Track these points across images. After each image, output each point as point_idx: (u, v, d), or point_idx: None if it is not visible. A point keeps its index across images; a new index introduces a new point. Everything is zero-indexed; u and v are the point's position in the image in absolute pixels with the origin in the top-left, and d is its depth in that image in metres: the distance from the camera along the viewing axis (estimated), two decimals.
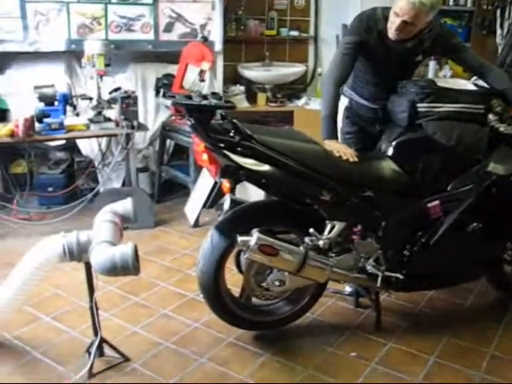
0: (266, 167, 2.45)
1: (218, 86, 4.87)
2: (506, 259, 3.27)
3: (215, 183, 2.50)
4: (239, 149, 2.41)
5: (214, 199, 2.53)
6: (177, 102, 2.42)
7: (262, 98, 5.13)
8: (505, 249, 3.17)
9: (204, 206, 2.54)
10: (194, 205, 2.62)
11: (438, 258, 2.82)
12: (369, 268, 2.75)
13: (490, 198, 2.81)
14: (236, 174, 2.47)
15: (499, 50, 5.28)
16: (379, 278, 2.72)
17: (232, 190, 2.47)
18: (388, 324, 3.04)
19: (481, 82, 2.92)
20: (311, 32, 5.52)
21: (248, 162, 2.43)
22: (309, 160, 2.52)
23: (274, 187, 2.57)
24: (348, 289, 3.24)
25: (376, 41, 2.79)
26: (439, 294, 3.33)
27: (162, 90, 2.43)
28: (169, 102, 2.39)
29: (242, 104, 5.06)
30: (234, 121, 2.46)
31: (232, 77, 5.21)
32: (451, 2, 5.72)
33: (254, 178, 2.52)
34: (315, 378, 2.61)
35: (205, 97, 2.53)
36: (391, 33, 2.72)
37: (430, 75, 5.54)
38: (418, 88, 2.74)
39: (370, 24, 2.80)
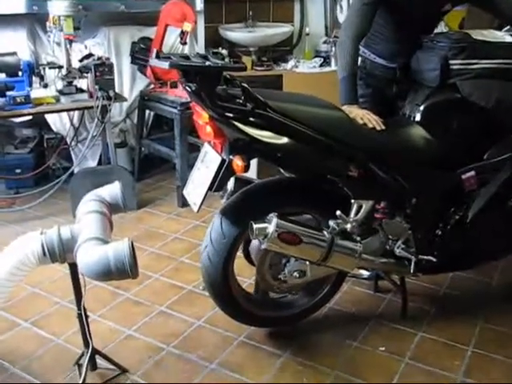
0: (284, 140, 2.06)
1: (200, 50, 4.43)
2: None
3: (222, 161, 2.09)
4: (252, 119, 2.02)
5: (221, 180, 2.12)
6: (176, 64, 1.99)
7: (246, 61, 4.68)
8: None
9: (209, 188, 2.12)
10: (196, 187, 2.21)
11: (473, 236, 2.49)
12: (398, 251, 2.41)
13: None
14: (249, 149, 2.07)
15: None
16: (412, 263, 2.37)
17: (246, 169, 2.07)
18: (414, 310, 2.72)
19: None
20: None
21: (263, 135, 2.04)
22: (333, 129, 2.14)
23: (294, 163, 2.19)
24: (366, 272, 2.89)
25: None
26: (462, 273, 3.00)
27: (155, 51, 2.02)
28: (166, 64, 1.96)
29: None
30: (244, 85, 2.05)
31: (213, 39, 4.76)
32: None
33: (271, 153, 2.12)
34: (345, 380, 2.27)
35: (205, 57, 2.11)
36: None
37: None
38: (450, 42, 2.36)
39: None
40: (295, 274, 2.29)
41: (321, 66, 4.67)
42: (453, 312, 2.74)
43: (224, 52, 4.62)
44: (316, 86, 3.89)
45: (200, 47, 4.47)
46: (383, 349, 2.46)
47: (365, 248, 2.32)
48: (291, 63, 4.76)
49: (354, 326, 2.61)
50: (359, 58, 2.72)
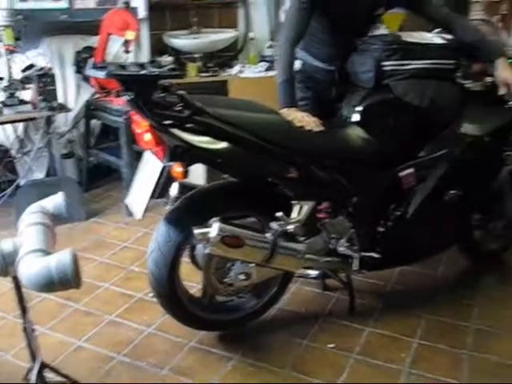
0: (223, 144, 2.09)
1: (145, 58, 4.42)
2: (476, 224, 3.08)
3: (163, 168, 2.11)
4: (190, 125, 2.04)
5: (163, 187, 2.13)
6: (112, 73, 2.00)
7: (192, 68, 4.70)
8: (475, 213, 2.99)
9: (152, 195, 2.14)
10: (138, 196, 2.23)
11: (414, 231, 2.57)
12: (341, 249, 2.47)
13: (465, 162, 2.57)
14: (188, 155, 2.10)
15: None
16: (356, 260, 2.43)
17: (185, 175, 2.09)
18: (362, 307, 2.78)
19: (445, 35, 2.65)
20: None
21: (202, 140, 2.07)
22: (271, 133, 2.18)
23: (234, 167, 2.22)
24: (313, 271, 2.93)
25: None
26: (408, 267, 3.07)
27: (89, 62, 2.04)
28: (102, 74, 1.97)
29: None
30: (181, 92, 2.07)
31: (158, 47, 4.74)
32: None
33: (210, 158, 2.15)
34: (295, 378, 2.31)
35: (142, 66, 2.12)
36: None
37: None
38: (382, 44, 2.44)
39: None
40: (241, 276, 2.32)
41: (266, 70, 4.70)
42: (399, 306, 2.80)
43: (169, 59, 4.66)
44: (261, 90, 3.90)
45: (145, 55, 4.45)
46: (332, 346, 2.50)
47: (308, 248, 2.36)
48: (236, 68, 4.78)
49: (304, 325, 2.64)
50: (299, 62, 2.78)
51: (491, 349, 2.49)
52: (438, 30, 2.72)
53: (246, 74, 4.77)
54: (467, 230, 2.99)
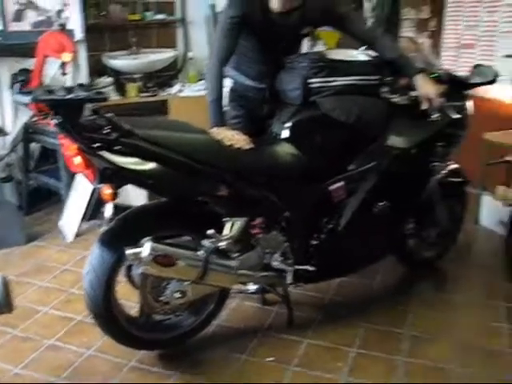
0: (151, 165, 2.12)
1: (83, 79, 4.40)
2: (409, 233, 3.18)
3: (94, 190, 2.12)
4: (117, 147, 2.07)
5: (94, 209, 2.15)
6: (37, 98, 2.02)
7: (132, 88, 4.73)
8: (407, 222, 3.09)
9: (83, 217, 2.15)
10: (70, 218, 2.23)
11: (347, 243, 2.64)
12: (275, 264, 2.52)
13: (393, 174, 2.66)
14: (117, 177, 2.12)
15: (369, 23, 5.22)
16: (290, 274, 2.48)
17: (114, 196, 2.11)
18: (301, 319, 2.83)
19: (370, 52, 2.75)
20: (178, 14, 5.16)
21: (130, 162, 2.10)
22: (199, 153, 2.22)
23: (163, 187, 2.24)
24: (252, 286, 2.97)
25: (259, 14, 2.53)
26: (347, 278, 3.14)
27: (15, 87, 2.05)
28: (27, 99, 1.99)
29: (111, 97, 4.63)
30: (109, 115, 2.10)
31: (97, 68, 4.74)
32: None
33: (139, 179, 2.18)
34: None
35: (70, 89, 2.14)
36: (274, 3, 2.46)
37: (304, 50, 5.39)
38: (309, 62, 2.52)
39: None
40: (176, 294, 2.35)
41: (206, 89, 4.75)
42: (337, 317, 2.87)
43: (108, 80, 4.67)
44: (201, 108, 3.89)
45: (83, 76, 4.43)
46: (271, 359, 2.54)
47: (242, 263, 2.41)
48: (176, 88, 4.82)
49: (243, 340, 2.68)
50: (231, 81, 2.84)
51: (425, 353, 2.58)
52: (364, 47, 2.82)
53: (185, 92, 4.82)
54: (401, 239, 3.09)
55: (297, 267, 2.52)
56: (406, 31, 4.74)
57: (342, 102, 2.52)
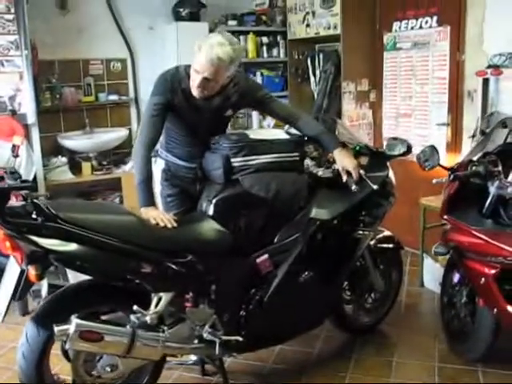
0: (73, 246, 2.23)
1: (37, 160, 4.56)
2: (345, 299, 3.30)
3: (22, 271, 2.24)
4: (42, 231, 2.19)
5: (23, 289, 2.25)
6: None
7: (86, 167, 4.90)
8: (342, 289, 3.21)
9: (12, 298, 2.25)
10: (1, 298, 2.34)
11: (275, 313, 2.75)
12: (206, 335, 2.60)
13: (317, 244, 2.81)
14: (44, 259, 2.24)
15: (315, 96, 5.51)
16: (217, 345, 2.57)
17: (41, 277, 2.22)
18: None
19: (293, 130, 2.94)
20: (131, 94, 5.40)
21: (55, 244, 2.22)
22: (122, 233, 2.34)
23: (89, 267, 2.36)
24: (192, 357, 3.06)
25: (182, 100, 2.72)
26: (288, 346, 3.25)
27: None
28: None
29: (66, 176, 4.81)
30: (35, 201, 2.24)
31: (52, 148, 4.93)
32: (265, 55, 5.89)
33: (65, 260, 2.30)
34: None
35: (1, 178, 2.29)
36: (194, 90, 2.66)
37: (255, 126, 5.65)
38: (230, 142, 2.69)
39: (174, 83, 2.73)
40: (107, 368, 2.44)
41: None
42: None
43: (63, 160, 4.83)
44: None
45: (37, 157, 4.58)
46: None
47: (173, 336, 2.50)
48: (130, 165, 4.98)
49: None
50: (163, 162, 3.00)
51: None
52: (287, 126, 3.02)
53: None
54: (336, 306, 3.20)
55: (225, 338, 2.61)
56: (348, 103, 5.01)
57: (262, 179, 2.68)
